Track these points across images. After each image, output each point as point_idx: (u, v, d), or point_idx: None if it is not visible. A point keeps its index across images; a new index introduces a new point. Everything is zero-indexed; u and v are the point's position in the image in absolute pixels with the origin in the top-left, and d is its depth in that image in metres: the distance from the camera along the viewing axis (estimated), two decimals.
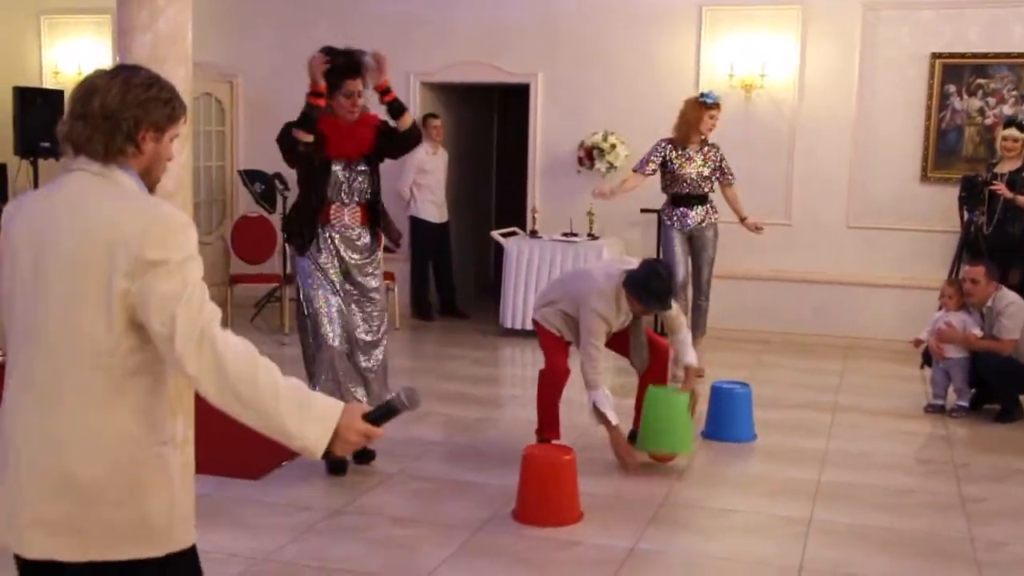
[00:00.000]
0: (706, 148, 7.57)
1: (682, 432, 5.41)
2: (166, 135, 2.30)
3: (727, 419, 6.02)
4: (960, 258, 8.00)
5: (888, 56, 8.82)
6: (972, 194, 7.97)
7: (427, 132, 9.69)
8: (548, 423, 5.60)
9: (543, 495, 4.66)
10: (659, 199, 7.93)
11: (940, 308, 6.97)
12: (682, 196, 7.54)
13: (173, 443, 2.31)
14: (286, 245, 5.39)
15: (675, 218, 7.58)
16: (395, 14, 9.83)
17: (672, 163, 7.47)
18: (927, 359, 7.02)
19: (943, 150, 8.79)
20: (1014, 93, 8.61)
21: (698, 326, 7.71)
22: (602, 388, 5.29)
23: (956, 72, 8.70)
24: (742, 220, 7.77)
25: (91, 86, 2.23)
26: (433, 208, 9.78)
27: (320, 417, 2.17)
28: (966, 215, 8.07)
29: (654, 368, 5.63)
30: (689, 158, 7.49)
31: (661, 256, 7.74)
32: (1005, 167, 7.96)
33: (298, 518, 4.62)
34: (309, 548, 4.30)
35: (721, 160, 7.63)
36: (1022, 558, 4.41)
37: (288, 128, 5.11)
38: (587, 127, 9.33)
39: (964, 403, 6.75)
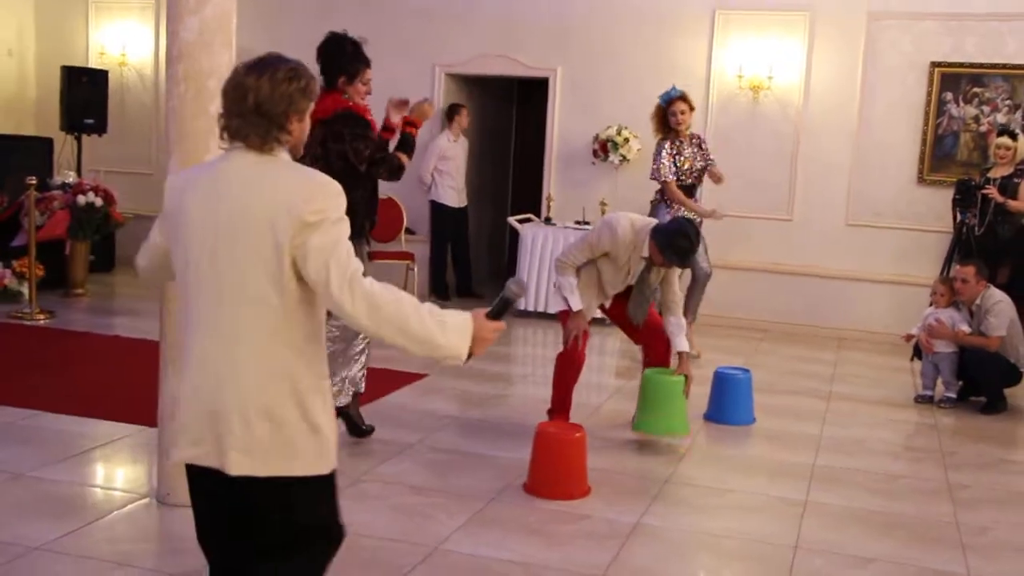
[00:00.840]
0: (696, 141, 7.56)
1: (677, 414, 5.36)
2: (307, 115, 2.48)
3: (728, 403, 5.98)
4: (952, 257, 7.94)
5: (890, 63, 8.73)
6: (965, 197, 7.90)
7: (455, 122, 9.65)
8: (560, 407, 5.53)
9: (553, 470, 4.62)
10: None
11: (931, 304, 6.90)
12: (684, 188, 7.50)
13: (328, 379, 2.52)
14: None
15: (675, 209, 7.45)
16: (424, 7, 9.77)
17: (677, 159, 7.44)
18: (917, 352, 6.96)
19: (939, 154, 8.71)
20: (1008, 102, 8.52)
21: (690, 309, 7.63)
22: (569, 277, 5.31)
23: (954, 81, 8.61)
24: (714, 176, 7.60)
25: (243, 85, 2.40)
26: (453, 193, 9.73)
27: (458, 329, 2.40)
28: (959, 217, 8.00)
29: (657, 351, 5.57)
30: (687, 150, 7.47)
31: None
32: (997, 172, 7.89)
33: None
34: None
35: (708, 152, 7.62)
36: (1005, 542, 4.37)
37: (381, 151, 4.91)
38: (602, 121, 9.25)
39: (952, 395, 6.70)
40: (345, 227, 2.37)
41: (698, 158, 7.51)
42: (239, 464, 2.39)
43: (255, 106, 2.37)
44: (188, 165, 4.00)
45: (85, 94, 9.79)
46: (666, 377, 5.40)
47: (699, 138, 7.64)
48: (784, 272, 9.05)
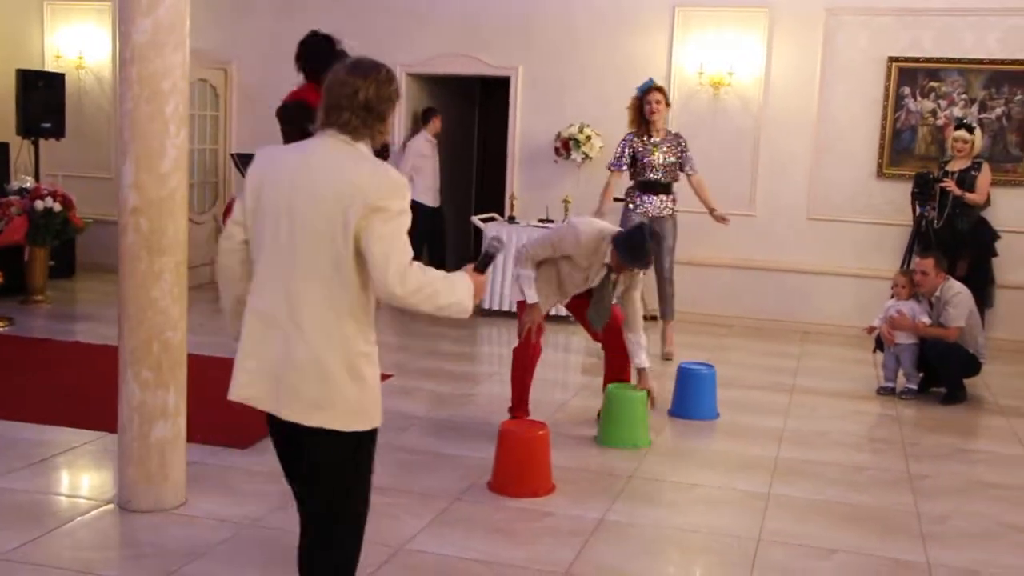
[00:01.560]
0: (670, 138, 7.53)
1: (640, 427, 5.41)
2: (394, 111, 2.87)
3: (692, 398, 6.02)
4: (912, 250, 8.03)
5: (848, 59, 8.82)
6: (924, 190, 8.00)
7: (431, 124, 9.72)
8: (518, 401, 5.55)
9: (517, 468, 4.63)
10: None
11: (892, 297, 6.99)
12: (649, 183, 7.48)
13: (376, 347, 2.85)
14: None
15: (638, 204, 7.49)
16: (384, 5, 9.74)
17: (639, 152, 7.45)
18: (879, 344, 7.04)
19: (897, 148, 8.81)
20: (964, 96, 8.63)
21: (666, 313, 7.70)
22: (527, 269, 5.32)
23: (911, 75, 8.72)
24: (711, 211, 7.70)
25: (353, 85, 2.76)
26: (430, 193, 9.74)
27: (464, 289, 2.81)
28: (918, 210, 8.09)
29: (618, 352, 5.61)
30: (656, 146, 7.45)
31: None
32: (955, 166, 8.01)
33: (284, 486, 4.50)
34: (295, 515, 4.21)
35: (684, 151, 7.55)
36: (963, 531, 4.44)
37: (295, 111, 5.15)
38: (564, 119, 9.28)
39: (913, 386, 6.78)
40: (406, 220, 2.70)
41: (670, 155, 7.46)
42: (291, 412, 2.76)
43: (364, 102, 2.74)
44: (144, 169, 3.98)
45: (41, 98, 9.67)
46: (628, 392, 5.47)
47: (677, 136, 7.58)
48: (747, 267, 9.11)
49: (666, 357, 7.51)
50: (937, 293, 6.70)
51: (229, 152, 10.12)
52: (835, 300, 8.92)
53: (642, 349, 5.46)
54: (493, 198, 10.54)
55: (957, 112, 8.62)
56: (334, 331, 2.72)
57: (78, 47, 10.51)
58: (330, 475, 2.86)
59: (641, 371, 5.47)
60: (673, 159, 7.50)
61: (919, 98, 8.73)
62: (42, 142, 9.84)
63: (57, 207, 8.57)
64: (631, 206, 7.53)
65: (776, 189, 9.04)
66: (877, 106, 8.79)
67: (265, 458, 4.93)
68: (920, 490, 4.92)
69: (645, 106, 7.42)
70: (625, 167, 7.54)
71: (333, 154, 2.75)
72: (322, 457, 2.84)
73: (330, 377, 2.73)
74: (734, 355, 7.89)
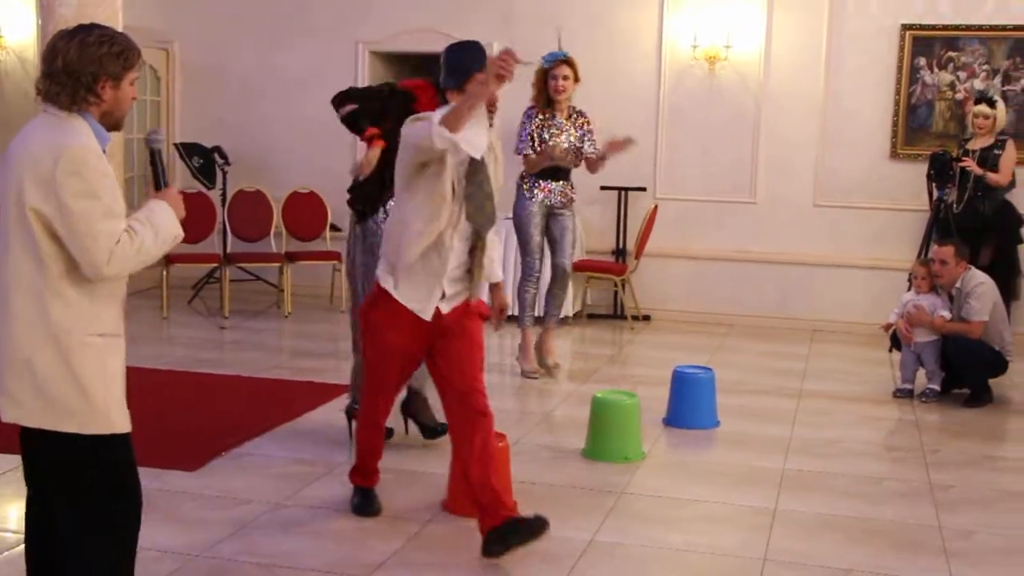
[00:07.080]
0: (575, 116, 7.11)
1: (632, 440, 5.43)
2: (124, 81, 2.87)
3: (689, 405, 6.03)
4: (930, 237, 8.06)
5: (857, 27, 8.86)
6: (940, 171, 8.03)
7: None
8: (363, 465, 4.63)
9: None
10: (618, 176, 7.83)
11: (909, 289, 7.01)
12: (548, 169, 7.03)
13: (113, 337, 2.93)
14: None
15: (535, 191, 7.06)
16: None
17: (543, 133, 7.01)
18: (896, 343, 7.07)
19: (913, 126, 8.85)
20: (985, 67, 8.68)
21: (550, 315, 7.24)
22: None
23: (927, 45, 8.76)
24: (609, 145, 6.84)
25: (53, 48, 2.81)
26: None
27: (162, 220, 2.95)
28: (935, 193, 8.13)
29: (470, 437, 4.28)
30: (561, 128, 7.04)
31: (516, 233, 7.21)
32: (976, 144, 8.05)
33: (237, 511, 4.55)
34: (248, 543, 4.24)
35: (588, 130, 7.09)
36: (990, 547, 4.46)
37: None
38: None
39: (936, 386, 6.78)
40: (99, 200, 2.77)
41: (575, 138, 7.05)
42: (8, 410, 2.88)
43: (64, 67, 2.78)
44: None
45: None
46: (617, 399, 5.50)
47: (581, 114, 7.15)
48: (748, 260, 9.14)
49: (550, 371, 7.14)
50: (958, 284, 6.73)
51: (172, 142, 10.06)
52: (846, 294, 8.95)
53: (495, 261, 4.69)
54: None
55: (978, 85, 8.66)
56: (39, 318, 2.81)
57: None
58: (58, 487, 2.94)
59: (494, 287, 4.79)
60: (577, 143, 7.07)
61: (936, 70, 8.77)
62: None
63: None
64: (527, 193, 7.09)
65: (779, 173, 9.07)
66: (890, 80, 8.83)
67: (215, 481, 4.91)
68: (943, 502, 4.95)
69: (550, 81, 6.98)
70: (532, 152, 7.03)
71: (31, 133, 2.84)
72: (44, 464, 2.94)
73: (38, 371, 2.81)
74: (735, 357, 7.91)
